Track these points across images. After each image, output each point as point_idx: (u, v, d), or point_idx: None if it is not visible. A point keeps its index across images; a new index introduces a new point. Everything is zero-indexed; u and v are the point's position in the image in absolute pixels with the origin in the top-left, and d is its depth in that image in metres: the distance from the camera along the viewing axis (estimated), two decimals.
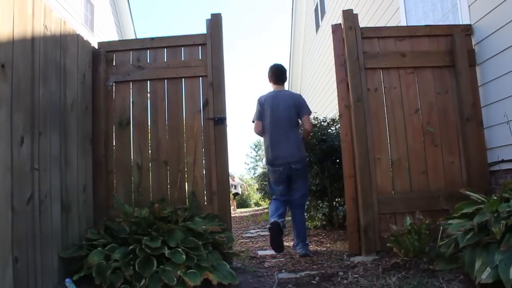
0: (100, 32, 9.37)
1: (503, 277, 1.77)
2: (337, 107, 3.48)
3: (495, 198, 2.30)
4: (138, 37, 10.17)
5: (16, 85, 2.08)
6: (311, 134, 4.51)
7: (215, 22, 3.29)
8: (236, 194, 14.58)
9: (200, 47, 3.29)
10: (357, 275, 2.45)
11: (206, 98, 3.21)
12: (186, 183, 3.16)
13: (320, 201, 4.89)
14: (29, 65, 2.23)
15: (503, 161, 2.93)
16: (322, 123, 4.81)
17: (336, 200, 4.83)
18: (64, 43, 2.68)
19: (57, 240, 2.41)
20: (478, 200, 2.44)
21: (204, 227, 2.67)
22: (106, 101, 3.20)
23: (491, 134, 3.08)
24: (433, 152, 3.15)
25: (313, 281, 2.43)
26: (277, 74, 3.67)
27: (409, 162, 3.14)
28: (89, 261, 2.32)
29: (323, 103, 8.99)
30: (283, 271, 2.83)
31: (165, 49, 3.32)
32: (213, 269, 2.42)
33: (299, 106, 3.53)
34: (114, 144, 3.22)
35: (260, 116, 3.58)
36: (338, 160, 4.38)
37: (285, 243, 4.10)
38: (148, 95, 3.28)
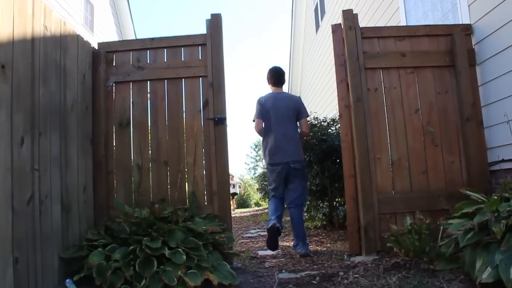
0: (100, 33, 9.37)
1: (504, 276, 1.77)
2: (337, 107, 3.48)
3: (495, 197, 2.30)
4: (138, 37, 10.17)
5: (16, 86, 2.08)
6: (311, 134, 4.53)
7: (215, 22, 3.29)
8: (234, 194, 14.58)
9: (200, 47, 3.30)
10: (357, 275, 2.45)
11: (206, 98, 3.21)
12: (186, 183, 3.16)
13: (320, 201, 4.89)
14: (29, 66, 2.23)
15: (503, 160, 2.93)
16: (322, 123, 4.81)
17: (336, 200, 4.83)
18: (64, 44, 2.68)
19: (58, 241, 2.41)
20: (479, 199, 2.44)
21: (204, 227, 2.67)
22: (106, 101, 3.20)
23: (491, 134, 3.08)
24: (433, 152, 3.15)
25: (313, 281, 2.43)
26: (276, 76, 3.73)
27: (409, 162, 3.14)
28: (90, 261, 2.32)
29: (323, 103, 8.99)
30: (284, 271, 2.83)
31: (165, 50, 3.32)
32: (214, 269, 2.42)
33: (298, 109, 3.63)
34: (114, 144, 3.22)
35: (260, 114, 3.61)
36: (338, 160, 4.38)
37: (286, 243, 4.11)
38: (148, 95, 3.28)
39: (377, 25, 5.25)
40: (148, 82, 3.28)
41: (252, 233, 5.40)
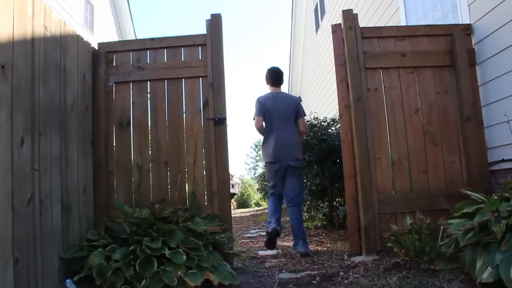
0: (100, 33, 9.38)
1: (504, 276, 1.77)
2: (337, 107, 3.48)
3: (495, 197, 2.30)
4: (138, 37, 10.18)
5: (16, 86, 2.08)
6: (311, 134, 4.54)
7: (215, 23, 3.29)
8: (232, 194, 14.56)
9: (200, 47, 3.30)
10: (357, 275, 2.45)
11: (206, 98, 3.21)
12: (187, 184, 3.16)
13: (320, 201, 4.89)
14: (29, 66, 2.23)
15: (503, 160, 2.93)
16: (322, 123, 4.82)
17: (337, 200, 4.83)
18: (64, 44, 2.68)
19: (58, 241, 2.41)
20: (479, 199, 2.44)
21: (204, 227, 2.67)
22: (106, 101, 3.20)
23: (491, 134, 3.08)
24: (433, 151, 3.15)
25: (313, 281, 2.43)
26: (275, 76, 3.81)
27: (409, 162, 3.14)
28: (90, 261, 2.32)
29: (323, 103, 8.99)
30: (284, 271, 2.83)
31: (165, 50, 3.32)
32: (214, 269, 2.43)
33: (297, 109, 3.74)
34: (114, 144, 3.22)
35: (261, 112, 3.65)
36: (338, 160, 4.38)
37: (286, 243, 4.10)
38: (148, 95, 3.28)
39: (377, 25, 5.25)
40: (148, 82, 3.28)
41: (252, 233, 5.40)
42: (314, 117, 4.95)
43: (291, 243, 4.00)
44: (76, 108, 2.81)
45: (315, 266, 2.93)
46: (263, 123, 3.69)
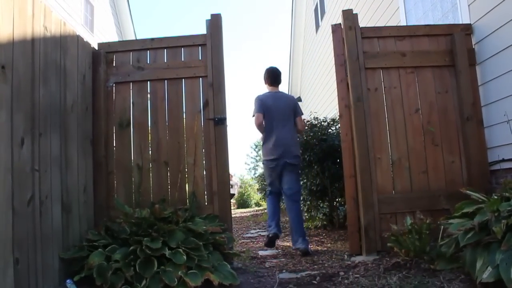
0: (100, 33, 9.38)
1: (504, 276, 1.77)
2: (337, 107, 3.48)
3: (495, 197, 2.30)
4: (138, 37, 10.18)
5: (16, 86, 2.08)
6: (311, 134, 4.55)
7: (215, 23, 3.29)
8: (231, 195, 14.50)
9: (200, 47, 3.30)
10: (358, 275, 2.45)
11: (206, 98, 3.21)
12: (187, 184, 3.16)
13: (320, 201, 4.89)
14: (29, 66, 2.23)
15: (503, 160, 2.93)
16: (322, 123, 4.82)
17: (337, 200, 4.83)
18: (64, 44, 2.68)
19: (58, 241, 2.41)
20: (479, 199, 2.44)
21: (204, 227, 2.67)
22: (106, 102, 3.20)
23: (492, 134, 3.08)
24: (433, 151, 3.15)
25: (314, 281, 2.43)
26: (273, 76, 3.87)
27: (409, 162, 3.14)
28: (90, 262, 2.32)
29: (323, 103, 8.99)
30: (284, 271, 2.83)
31: (165, 50, 3.32)
32: (214, 269, 2.43)
33: (295, 108, 3.82)
34: (114, 144, 3.22)
35: (261, 109, 3.69)
36: (338, 160, 4.38)
37: (286, 243, 4.10)
38: (148, 95, 3.28)
39: (377, 25, 5.24)
40: (148, 82, 3.28)
41: (253, 233, 5.40)
42: (314, 117, 4.95)
43: (291, 243, 4.01)
44: (76, 108, 2.81)
45: (315, 266, 2.93)
46: (264, 122, 3.72)
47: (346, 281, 2.36)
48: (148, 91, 3.28)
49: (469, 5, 3.28)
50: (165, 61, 3.30)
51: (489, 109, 3.10)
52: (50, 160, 2.38)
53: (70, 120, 2.70)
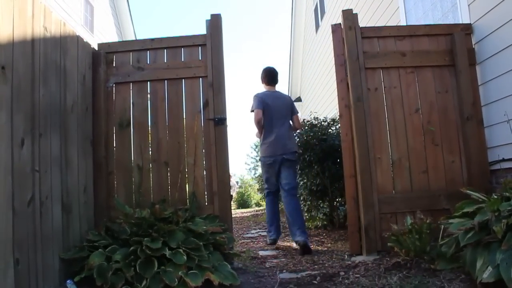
0: (100, 33, 9.38)
1: (505, 276, 1.76)
2: (337, 107, 3.48)
3: (495, 197, 2.30)
4: (138, 38, 10.18)
5: (17, 87, 2.08)
6: (311, 134, 4.55)
7: (214, 23, 3.29)
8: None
9: (200, 47, 3.30)
10: (358, 275, 2.45)
11: (206, 98, 3.21)
12: (187, 184, 3.16)
13: (320, 201, 4.88)
14: (29, 67, 2.23)
15: (503, 160, 2.93)
16: (323, 123, 4.81)
17: (337, 200, 4.83)
18: (64, 45, 2.68)
19: (58, 242, 2.41)
20: (479, 199, 2.43)
21: (205, 227, 2.67)
22: (106, 102, 3.20)
23: (492, 133, 3.08)
24: (433, 151, 3.15)
25: (314, 281, 2.43)
26: (270, 76, 4.00)
27: (409, 162, 3.14)
28: (90, 262, 2.32)
29: (323, 103, 8.99)
30: (284, 271, 2.83)
31: (165, 50, 3.32)
32: (214, 269, 2.42)
33: (292, 106, 3.98)
34: (114, 145, 3.22)
35: (260, 105, 3.78)
36: (338, 160, 4.38)
37: (286, 243, 4.10)
38: (148, 96, 3.28)
39: (377, 25, 5.25)
40: (148, 82, 3.28)
41: (253, 234, 5.39)
42: (314, 117, 4.95)
43: (291, 243, 4.01)
44: (76, 109, 2.81)
45: (316, 266, 2.93)
46: (264, 120, 3.80)
47: (346, 281, 2.36)
48: (148, 91, 3.28)
49: (469, 5, 3.28)
50: (165, 61, 3.30)
51: (489, 108, 3.10)
52: (50, 160, 2.38)
53: (70, 120, 2.70)
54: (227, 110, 3.20)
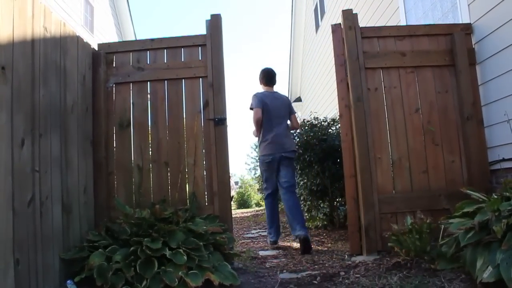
0: (100, 34, 9.38)
1: (505, 276, 1.76)
2: (337, 107, 3.48)
3: (496, 197, 2.30)
4: (138, 38, 10.18)
5: (17, 87, 2.08)
6: (311, 134, 4.55)
7: (214, 23, 3.29)
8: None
9: (200, 48, 3.30)
10: (358, 275, 2.45)
11: (206, 98, 3.21)
12: (187, 184, 3.16)
13: (321, 201, 4.88)
14: (29, 67, 2.23)
15: (503, 160, 2.93)
16: (323, 123, 4.81)
17: (337, 200, 4.83)
18: (64, 45, 2.68)
19: (58, 242, 2.41)
20: (479, 199, 2.43)
21: (205, 227, 2.66)
22: (106, 102, 3.20)
23: (492, 133, 3.08)
24: (433, 151, 3.15)
25: (314, 281, 2.43)
26: (269, 77, 4.06)
27: (409, 162, 3.14)
28: (90, 262, 2.32)
29: (323, 103, 8.99)
30: (285, 271, 2.83)
31: (165, 50, 3.32)
32: (215, 269, 2.42)
33: (290, 106, 4.07)
34: (114, 145, 3.22)
35: (260, 104, 3.83)
36: (338, 160, 4.38)
37: (286, 243, 4.10)
38: (148, 96, 3.28)
39: (377, 24, 5.25)
40: (148, 82, 3.28)
41: (253, 234, 5.39)
42: (314, 117, 4.95)
43: (291, 243, 4.01)
44: (76, 109, 2.81)
45: (316, 266, 2.93)
46: (262, 119, 3.84)
47: (346, 281, 2.36)
48: (148, 91, 3.28)
49: (469, 5, 3.28)
50: (165, 61, 3.30)
51: (489, 108, 3.10)
52: (50, 160, 2.38)
53: (70, 120, 2.70)
54: (227, 110, 3.20)
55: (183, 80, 3.26)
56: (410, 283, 2.14)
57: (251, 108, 3.91)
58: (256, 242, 4.47)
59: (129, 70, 3.28)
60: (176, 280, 2.23)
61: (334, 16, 7.65)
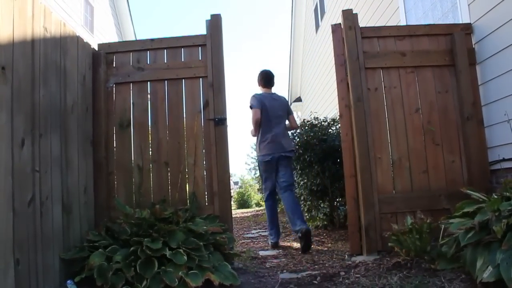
0: (100, 34, 9.38)
1: (505, 276, 1.76)
2: (337, 107, 3.48)
3: (496, 197, 2.30)
4: (138, 38, 10.19)
5: (17, 87, 2.08)
6: (311, 134, 4.55)
7: (214, 23, 3.29)
8: None
9: (200, 48, 3.30)
10: (358, 275, 2.45)
11: (206, 98, 3.21)
12: (187, 184, 3.16)
13: (321, 201, 4.88)
14: (29, 67, 2.23)
15: (504, 160, 2.93)
16: (323, 123, 4.81)
17: (337, 200, 4.82)
18: (64, 45, 2.68)
19: (59, 242, 2.41)
20: (479, 199, 2.43)
21: (205, 227, 2.67)
22: (106, 102, 3.20)
23: (492, 133, 3.08)
24: (433, 151, 3.15)
25: (314, 281, 2.43)
26: (267, 79, 4.13)
27: (409, 162, 3.14)
28: (91, 262, 2.32)
29: (324, 103, 8.99)
30: (285, 271, 2.83)
31: (165, 50, 3.32)
32: (215, 269, 2.43)
33: (288, 107, 4.16)
34: (114, 145, 3.22)
35: (259, 105, 3.90)
36: (338, 160, 4.38)
37: (286, 244, 4.10)
38: (149, 96, 3.28)
39: (377, 24, 5.25)
40: (148, 83, 3.28)
41: (253, 234, 5.39)
42: (314, 117, 4.94)
43: (291, 243, 4.01)
44: (76, 109, 2.81)
45: (316, 266, 2.93)
46: (261, 120, 3.90)
47: (347, 281, 2.36)
48: (148, 91, 3.29)
49: (469, 5, 3.28)
50: (165, 61, 3.30)
51: (490, 108, 3.09)
52: (50, 160, 2.38)
53: (70, 120, 2.70)
54: (227, 110, 3.20)
55: (183, 80, 3.26)
56: (410, 283, 2.14)
57: (251, 107, 3.96)
58: (256, 242, 4.47)
59: (129, 70, 3.28)
60: (176, 280, 2.23)
61: (334, 16, 7.65)
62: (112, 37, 10.20)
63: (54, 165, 2.43)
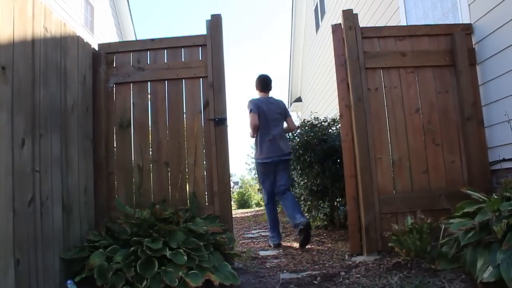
0: (100, 34, 9.38)
1: (505, 276, 1.76)
2: (337, 107, 3.48)
3: (496, 197, 2.30)
4: (138, 38, 10.19)
5: (17, 87, 2.08)
6: (311, 135, 4.55)
7: (215, 23, 3.29)
8: None
9: (200, 48, 3.30)
10: (358, 275, 2.45)
11: (206, 99, 3.21)
12: (187, 184, 3.16)
13: (321, 201, 4.88)
14: (30, 67, 2.23)
15: (504, 160, 2.93)
16: (323, 123, 4.81)
17: (337, 200, 4.82)
18: (64, 45, 2.68)
19: (59, 242, 2.41)
20: (479, 199, 2.43)
21: (205, 228, 2.67)
22: (106, 102, 3.20)
23: (492, 133, 3.08)
24: (434, 151, 3.15)
25: (314, 281, 2.43)
26: (264, 83, 4.19)
27: (410, 162, 3.14)
28: (91, 262, 2.32)
29: (324, 103, 8.99)
30: (285, 271, 2.83)
31: (165, 50, 3.32)
32: (215, 270, 2.43)
33: (285, 110, 4.22)
34: (115, 145, 3.22)
35: (256, 110, 3.96)
36: (339, 160, 4.38)
37: (286, 244, 4.10)
38: (149, 96, 3.28)
39: (377, 25, 5.24)
40: (149, 83, 3.29)
41: (253, 234, 5.39)
42: (314, 117, 4.94)
43: (292, 243, 4.01)
44: (76, 109, 2.81)
45: (316, 266, 2.93)
46: (259, 123, 3.96)
47: (347, 281, 2.36)
48: (149, 91, 3.29)
49: (469, 5, 3.28)
50: (165, 61, 3.30)
51: (490, 108, 3.09)
52: (50, 160, 2.38)
53: (70, 120, 2.70)
54: (227, 110, 3.20)
55: (183, 80, 3.26)
56: (410, 283, 2.14)
57: (250, 110, 4.00)
58: (256, 242, 4.47)
59: (130, 70, 3.28)
60: (176, 280, 2.23)
61: (334, 16, 7.65)
62: (112, 37, 10.21)
63: (54, 165, 2.43)
